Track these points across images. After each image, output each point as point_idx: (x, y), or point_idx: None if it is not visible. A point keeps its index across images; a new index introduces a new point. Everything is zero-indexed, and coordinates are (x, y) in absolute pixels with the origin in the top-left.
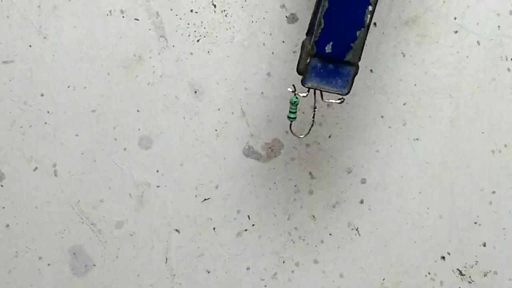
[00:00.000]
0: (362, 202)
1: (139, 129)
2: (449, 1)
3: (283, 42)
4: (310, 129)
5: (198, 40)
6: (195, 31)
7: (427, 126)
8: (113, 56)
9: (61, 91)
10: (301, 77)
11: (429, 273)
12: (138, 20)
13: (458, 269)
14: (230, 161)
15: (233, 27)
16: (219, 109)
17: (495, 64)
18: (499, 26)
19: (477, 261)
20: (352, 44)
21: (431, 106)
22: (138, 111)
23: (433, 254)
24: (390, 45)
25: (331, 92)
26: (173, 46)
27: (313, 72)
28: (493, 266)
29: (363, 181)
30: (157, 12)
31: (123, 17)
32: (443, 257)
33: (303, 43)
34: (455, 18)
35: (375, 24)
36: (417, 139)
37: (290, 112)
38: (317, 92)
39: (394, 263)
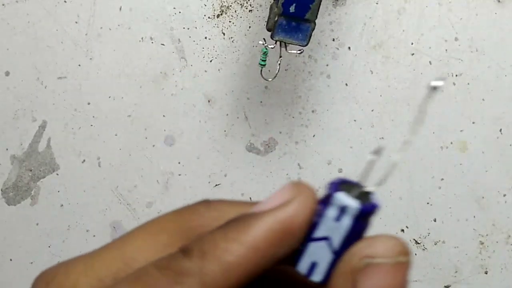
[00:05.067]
0: None
1: (164, 130)
2: (407, 30)
3: (277, 62)
4: (276, 75)
5: (211, 61)
6: (208, 53)
7: (390, 127)
8: (144, 73)
9: (103, 100)
10: (270, 33)
11: None
12: (164, 45)
13: (414, 239)
14: (236, 155)
15: (238, 50)
16: (227, 114)
17: (443, 79)
18: (446, 50)
19: (429, 233)
20: (311, 5)
21: (393, 112)
22: (164, 116)
23: (395, 227)
24: (361, 65)
25: (293, 44)
26: (191, 65)
27: (280, 28)
28: (442, 236)
29: (340, 171)
30: (179, 39)
31: (152, 42)
32: (403, 230)
33: (271, 6)
34: (412, 43)
35: (349, 48)
36: (382, 138)
37: (261, 60)
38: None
39: None
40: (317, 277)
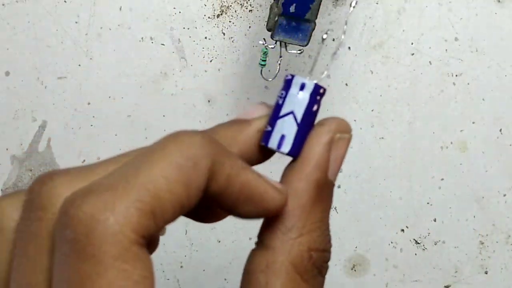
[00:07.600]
0: (339, 187)
1: (164, 130)
2: (407, 30)
3: (277, 62)
4: (276, 75)
5: (211, 61)
6: (208, 53)
7: (390, 127)
8: (144, 73)
9: (103, 100)
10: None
11: (391, 242)
12: (164, 45)
13: (414, 239)
14: None
15: (238, 50)
16: (227, 114)
17: (443, 79)
18: (446, 50)
19: (429, 233)
20: (311, 5)
21: (393, 112)
22: (163, 116)
23: (395, 228)
24: (361, 65)
25: (293, 44)
26: (191, 65)
27: (280, 28)
28: (442, 236)
29: (340, 171)
30: (179, 39)
31: (152, 42)
32: (403, 230)
33: (271, 6)
34: (412, 43)
35: (349, 48)
36: (382, 138)
37: (261, 60)
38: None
39: (364, 234)
40: (286, 148)
